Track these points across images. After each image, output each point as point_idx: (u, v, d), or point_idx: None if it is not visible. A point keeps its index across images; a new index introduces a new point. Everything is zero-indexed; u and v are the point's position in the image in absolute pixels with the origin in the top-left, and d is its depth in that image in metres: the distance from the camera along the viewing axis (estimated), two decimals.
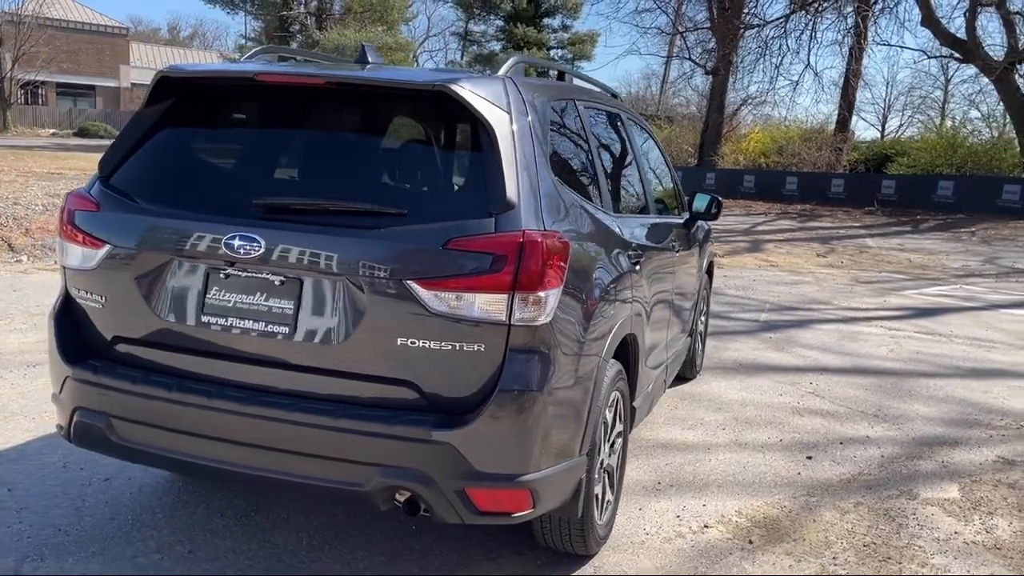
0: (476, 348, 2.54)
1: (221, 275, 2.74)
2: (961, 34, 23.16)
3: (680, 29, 30.35)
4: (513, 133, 2.70)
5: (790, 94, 50.05)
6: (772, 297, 9.79)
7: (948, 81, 45.72)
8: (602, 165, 3.61)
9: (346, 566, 3.16)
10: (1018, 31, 22.78)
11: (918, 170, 24.69)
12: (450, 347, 2.54)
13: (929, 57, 26.70)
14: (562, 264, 2.66)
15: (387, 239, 2.57)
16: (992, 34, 40.50)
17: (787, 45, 24.96)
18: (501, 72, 2.95)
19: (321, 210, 2.68)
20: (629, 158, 4.25)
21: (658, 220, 4.37)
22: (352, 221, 2.64)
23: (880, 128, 49.31)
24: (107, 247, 2.88)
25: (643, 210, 4.23)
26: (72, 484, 3.73)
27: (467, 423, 2.52)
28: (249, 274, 2.70)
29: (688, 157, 31.87)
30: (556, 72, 3.92)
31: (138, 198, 2.89)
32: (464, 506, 2.58)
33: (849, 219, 21.59)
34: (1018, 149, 22.72)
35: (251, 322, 2.70)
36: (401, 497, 2.64)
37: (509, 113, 2.74)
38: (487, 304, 2.51)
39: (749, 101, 29.63)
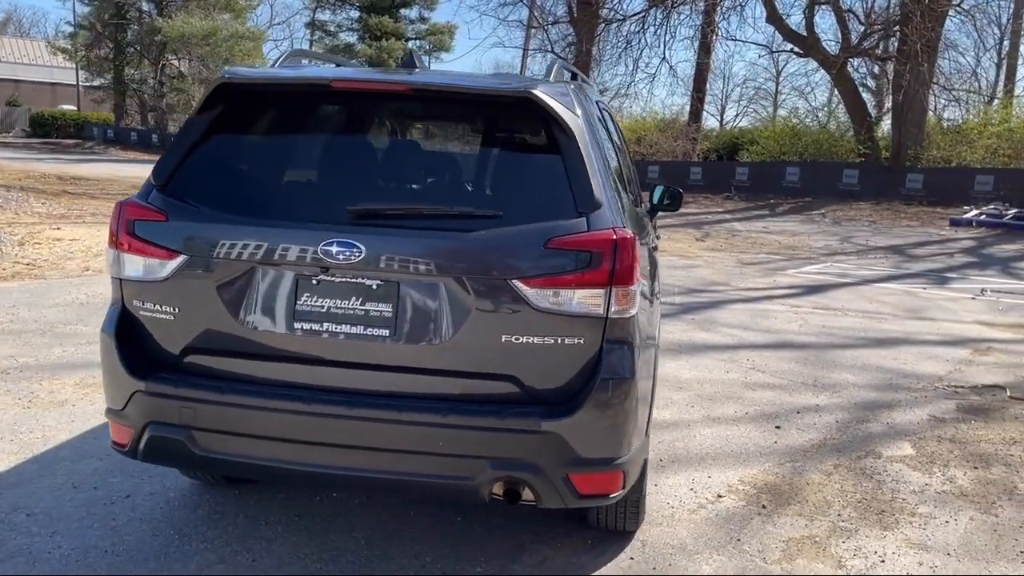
0: (576, 341, 2.68)
1: (313, 281, 2.75)
2: (801, 30, 24.89)
3: (539, 23, 30.94)
4: (586, 135, 2.86)
5: (648, 87, 51.95)
6: (676, 281, 10.32)
7: (779, 73, 48.78)
8: (617, 160, 3.82)
9: (414, 559, 3.23)
10: (850, 27, 24.72)
11: (767, 157, 26.41)
12: (552, 341, 2.67)
13: (772, 52, 28.52)
14: (639, 259, 2.85)
15: (490, 240, 2.67)
16: (826, 31, 43.77)
17: (645, 40, 25.98)
18: (553, 75, 3.09)
19: (415, 214, 2.74)
20: (620, 151, 4.49)
21: (643, 211, 4.63)
22: (449, 224, 2.72)
23: (719, 118, 52.14)
24: (182, 257, 2.82)
25: (635, 203, 4.47)
26: (94, 504, 3.59)
27: (572, 412, 2.66)
28: (344, 279, 2.72)
29: None
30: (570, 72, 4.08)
31: (209, 206, 2.84)
32: (569, 491, 2.73)
33: (712, 205, 22.84)
34: (853, 137, 24.73)
35: (348, 326, 2.73)
36: (500, 488, 2.75)
37: (579, 116, 2.89)
38: (586, 299, 2.66)
39: (609, 93, 30.61)
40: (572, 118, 2.83)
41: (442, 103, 3.01)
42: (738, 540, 3.53)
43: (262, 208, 2.83)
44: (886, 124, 27.02)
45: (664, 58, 29.65)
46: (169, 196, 2.90)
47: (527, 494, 2.75)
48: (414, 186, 2.86)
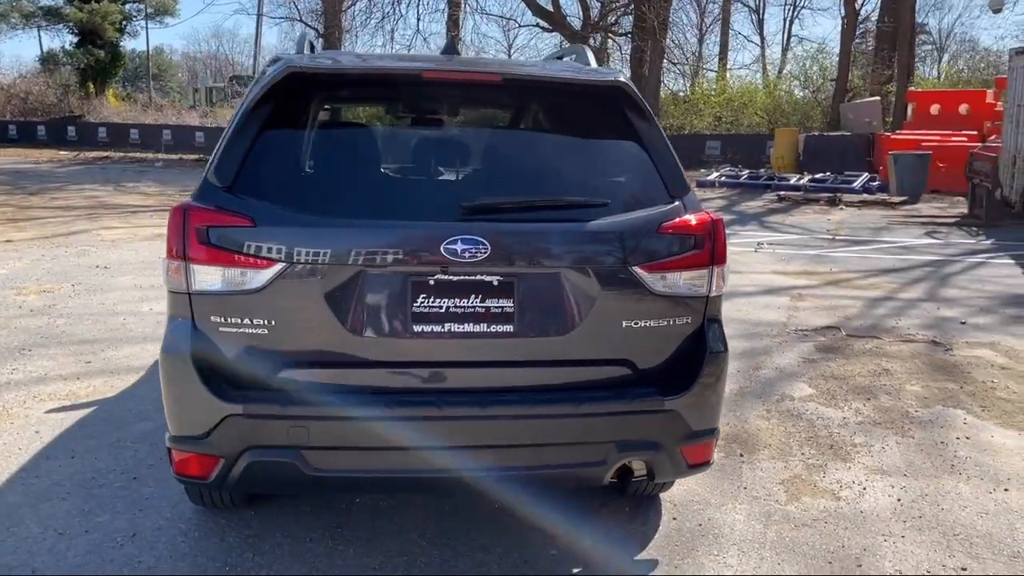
0: (683, 321, 2.84)
1: (430, 281, 2.65)
2: (549, 6, 26.07)
3: None
4: (658, 123, 3.00)
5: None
6: None
7: (511, 47, 50.45)
8: None
9: (488, 553, 3.24)
10: (590, 3, 26.32)
11: None
12: (664, 323, 2.81)
13: (520, 26, 29.59)
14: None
15: (609, 228, 2.73)
16: (568, 5, 45.67)
17: (399, 11, 25.86)
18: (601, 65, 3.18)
19: (530, 206, 2.73)
20: None
21: None
22: (563, 215, 2.74)
23: None
24: (279, 265, 2.59)
25: None
26: (105, 549, 3.17)
27: (687, 389, 2.83)
28: (462, 277, 2.66)
29: None
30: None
31: (301, 208, 2.63)
32: (683, 464, 2.89)
33: None
34: None
35: (471, 325, 2.67)
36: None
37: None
38: (693, 280, 2.83)
39: None
40: (647, 106, 2.95)
41: (531, 92, 2.98)
42: (745, 488, 3.89)
43: (363, 207, 2.68)
44: None
45: (418, 30, 29.46)
46: (244, 197, 2.64)
47: (638, 471, 2.89)
48: (517, 177, 2.84)
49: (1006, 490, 3.94)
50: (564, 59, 3.44)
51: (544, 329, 2.72)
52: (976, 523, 3.60)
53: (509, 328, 2.69)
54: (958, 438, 4.58)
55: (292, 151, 2.80)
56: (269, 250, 2.60)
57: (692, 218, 2.83)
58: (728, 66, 33.50)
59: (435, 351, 2.69)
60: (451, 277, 2.65)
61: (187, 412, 2.68)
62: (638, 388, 2.81)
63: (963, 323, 7.28)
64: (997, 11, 20.20)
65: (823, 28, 67.68)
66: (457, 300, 2.67)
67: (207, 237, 2.62)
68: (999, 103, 20.70)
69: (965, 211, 15.29)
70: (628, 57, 26.80)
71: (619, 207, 2.79)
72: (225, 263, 2.61)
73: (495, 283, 2.68)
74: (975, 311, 7.79)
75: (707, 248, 2.84)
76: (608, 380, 2.80)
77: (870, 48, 29.87)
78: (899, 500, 3.81)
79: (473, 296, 2.67)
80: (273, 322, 2.62)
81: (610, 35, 27.05)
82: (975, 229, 13.33)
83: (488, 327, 2.68)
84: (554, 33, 27.52)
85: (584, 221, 2.74)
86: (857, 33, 35.03)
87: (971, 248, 11.66)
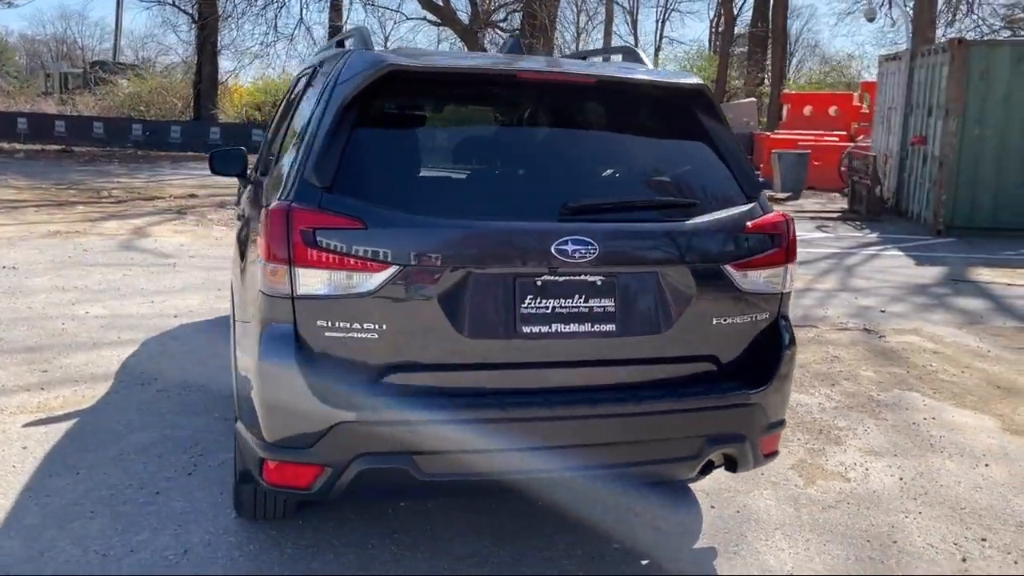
0: (763, 316, 2.97)
1: (536, 282, 2.66)
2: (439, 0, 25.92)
3: None
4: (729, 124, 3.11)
5: (287, 48, 48.98)
6: None
7: (387, 39, 49.78)
8: None
9: (552, 550, 3.28)
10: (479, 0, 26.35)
11: None
12: (747, 319, 2.93)
13: (408, 19, 29.22)
14: None
15: (703, 228, 2.82)
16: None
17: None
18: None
19: (627, 206, 2.78)
20: None
21: None
22: (659, 215, 2.81)
23: None
24: (392, 268, 2.53)
25: None
26: (156, 567, 3.00)
27: (768, 382, 2.95)
28: (568, 278, 2.68)
29: (177, 112, 30.15)
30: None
31: (409, 208, 2.59)
32: (760, 455, 3.01)
33: None
34: None
35: (575, 325, 2.70)
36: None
37: None
38: (772, 277, 2.96)
39: (248, 55, 29.09)
40: (720, 108, 3.06)
41: (621, 94, 3.01)
42: (762, 475, 4.08)
43: (468, 207, 2.66)
44: None
45: (301, 19, 28.61)
46: (346, 198, 2.57)
47: (717, 463, 3.00)
48: (609, 178, 2.87)
49: (987, 465, 4.31)
50: (609, 58, 3.51)
51: (643, 328, 2.78)
52: (975, 497, 3.92)
53: (611, 327, 2.74)
54: (925, 419, 4.95)
55: (391, 151, 2.74)
56: (381, 253, 2.54)
57: (771, 217, 2.96)
58: None
59: (542, 352, 2.70)
60: (557, 278, 2.67)
61: (290, 421, 2.58)
62: (725, 383, 2.91)
63: (883, 311, 7.83)
64: (871, 20, 21.67)
65: (693, 30, 70.61)
66: (562, 300, 2.69)
67: (314, 239, 2.53)
68: (864, 106, 22.25)
69: (845, 206, 16.32)
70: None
71: (705, 207, 2.88)
72: (334, 266, 2.53)
73: (598, 283, 2.72)
74: (888, 300, 8.39)
75: (783, 246, 2.97)
76: (696, 376, 2.89)
77: (742, 51, 31.36)
78: (901, 479, 4.09)
79: (577, 296, 2.70)
80: (384, 326, 2.56)
81: (498, 30, 27.19)
82: (858, 223, 14.27)
83: (592, 327, 2.72)
84: (443, 28, 27.44)
85: (680, 221, 2.82)
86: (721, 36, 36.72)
87: (861, 241, 12.49)
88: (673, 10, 44.18)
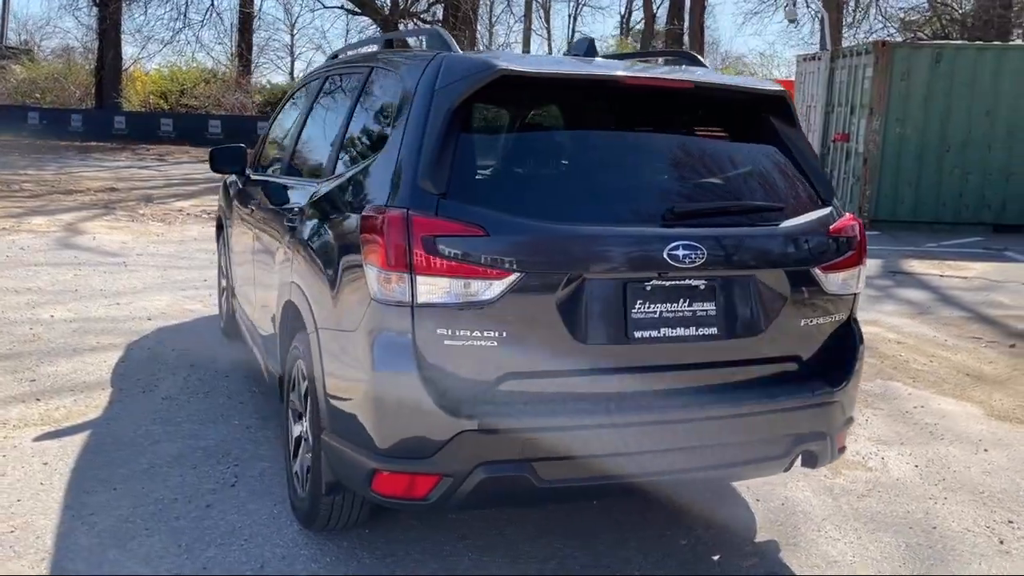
0: (840, 317, 3.08)
1: (646, 287, 2.69)
2: None
3: None
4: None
5: (197, 34, 46.74)
6: None
7: (293, 26, 48.61)
8: None
9: (625, 549, 3.32)
10: None
11: None
12: (829, 319, 3.03)
13: (326, 8, 28.65)
14: None
15: (793, 231, 2.90)
16: None
17: None
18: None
19: (726, 211, 2.84)
20: None
21: None
22: (753, 219, 2.88)
23: (290, 70, 49.41)
24: (514, 275, 2.52)
25: None
26: None
27: (847, 380, 3.06)
28: (675, 282, 2.72)
29: (76, 100, 28.70)
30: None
31: (526, 214, 2.58)
32: (836, 451, 3.13)
33: None
34: None
35: (682, 329, 2.75)
36: None
37: None
38: (849, 279, 3.07)
39: (157, 42, 27.97)
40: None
41: (712, 99, 3.06)
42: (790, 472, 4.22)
43: (581, 213, 2.67)
44: None
45: (212, 4, 27.67)
46: (462, 204, 2.54)
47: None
48: (706, 182, 2.92)
49: (986, 451, 4.58)
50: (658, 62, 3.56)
51: (742, 330, 2.85)
52: (988, 482, 4.17)
53: (714, 331, 2.80)
54: (915, 407, 5.22)
55: (501, 156, 2.72)
56: (504, 260, 2.53)
57: (847, 220, 3.07)
58: None
59: (651, 356, 2.74)
60: (665, 282, 2.71)
61: (410, 430, 2.54)
62: (811, 382, 3.00)
63: None
64: (792, 21, 22.46)
65: (603, 27, 71.56)
66: (669, 305, 2.73)
67: (435, 246, 2.49)
68: None
69: None
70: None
71: (791, 211, 2.97)
72: (457, 274, 2.50)
73: (701, 287, 2.77)
74: None
75: (858, 248, 3.08)
76: (784, 376, 2.98)
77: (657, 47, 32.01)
78: (916, 466, 4.31)
79: (682, 300, 2.75)
80: (503, 333, 2.55)
81: (419, 21, 26.95)
82: None
83: (696, 330, 2.77)
84: (354, 17, 27.03)
85: (773, 225, 2.89)
86: (631, 32, 37.45)
87: None
88: (584, 5, 44.72)
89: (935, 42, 18.58)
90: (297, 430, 3.39)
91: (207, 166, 5.00)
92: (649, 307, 2.71)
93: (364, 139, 3.25)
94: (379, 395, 2.57)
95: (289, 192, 3.86)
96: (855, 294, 3.14)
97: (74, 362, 5.22)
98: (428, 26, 28.16)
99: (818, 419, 3.01)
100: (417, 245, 2.49)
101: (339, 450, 2.79)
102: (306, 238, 3.22)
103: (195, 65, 29.95)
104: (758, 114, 3.06)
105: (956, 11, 25.21)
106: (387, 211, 2.56)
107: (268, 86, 29.87)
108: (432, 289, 2.51)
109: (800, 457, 3.07)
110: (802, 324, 2.96)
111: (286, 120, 4.77)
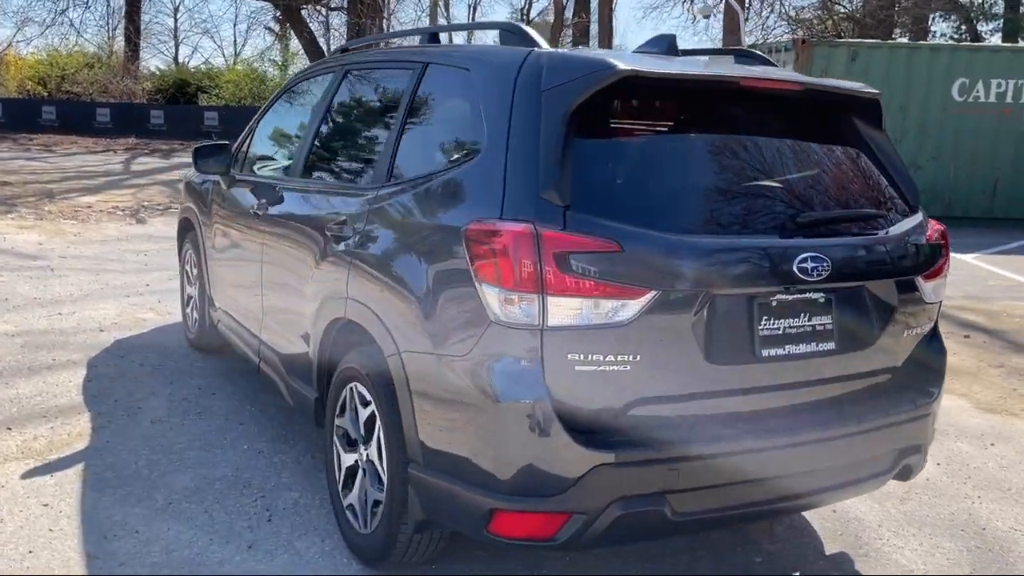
0: (929, 326, 3.02)
1: (772, 302, 2.55)
2: None
3: None
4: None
5: (81, 16, 43.24)
6: None
7: (176, 10, 46.26)
8: None
9: (699, 563, 3.19)
10: None
11: (232, 101, 25.67)
12: (922, 329, 2.97)
13: None
14: None
15: (901, 240, 2.82)
16: None
17: None
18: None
19: (841, 220, 2.73)
20: None
21: None
22: (860, 228, 2.78)
23: (175, 56, 46.35)
24: (651, 294, 2.33)
25: None
26: None
27: (939, 390, 3.01)
28: (797, 296, 2.59)
29: None
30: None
31: (653, 228, 2.41)
32: (925, 462, 3.06)
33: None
34: None
35: (804, 345, 2.63)
36: None
37: None
38: (938, 286, 3.01)
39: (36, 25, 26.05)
40: None
41: (817, 102, 2.91)
42: None
43: (710, 225, 2.52)
44: None
45: None
46: (592, 217, 2.34)
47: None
48: (815, 188, 2.78)
49: (993, 444, 4.69)
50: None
51: (856, 344, 2.75)
52: (1008, 477, 4.26)
53: (831, 346, 2.68)
54: None
55: (621, 163, 2.52)
56: (641, 278, 2.33)
57: (936, 226, 3.02)
58: None
59: (778, 374, 2.60)
60: (789, 296, 2.58)
61: (539, 466, 2.31)
62: (908, 393, 2.93)
63: None
64: (706, 17, 22.88)
65: (502, 16, 71.25)
66: (791, 320, 2.60)
67: (568, 264, 2.27)
68: None
69: None
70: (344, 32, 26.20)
71: (894, 217, 2.89)
72: (592, 294, 2.29)
73: (820, 300, 2.65)
74: None
75: (946, 255, 3.03)
76: (882, 388, 2.90)
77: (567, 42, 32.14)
78: (938, 464, 4.36)
79: (803, 315, 2.62)
80: (637, 357, 2.35)
81: (322, 7, 26.13)
82: None
83: (816, 346, 2.65)
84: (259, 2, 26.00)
85: (882, 233, 2.80)
86: (531, 23, 37.41)
87: None
88: None
89: (852, 40, 19.27)
90: (350, 459, 3.10)
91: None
92: (774, 323, 2.57)
93: (435, 143, 2.98)
94: (503, 428, 2.33)
95: (322, 198, 3.53)
96: (939, 302, 3.09)
97: (35, 383, 4.70)
98: (334, 12, 27.39)
99: (917, 431, 2.94)
100: (548, 262, 2.27)
101: (441, 487, 2.53)
102: (370, 251, 2.92)
103: (76, 49, 28.13)
104: (852, 116, 2.96)
105: (847, 10, 26.29)
106: (509, 225, 2.32)
107: (159, 72, 28.33)
108: (564, 311, 2.29)
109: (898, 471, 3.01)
110: (904, 334, 2.89)
111: (286, 118, 4.39)
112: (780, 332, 2.58)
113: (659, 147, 2.63)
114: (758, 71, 2.82)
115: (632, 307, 2.33)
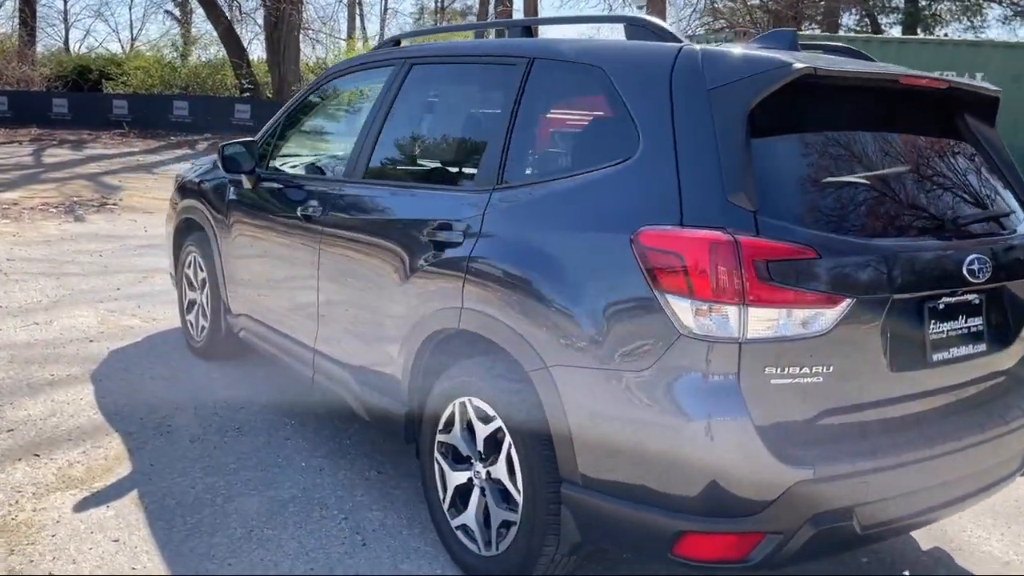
0: None
1: (939, 306, 2.52)
2: None
3: None
4: None
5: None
6: None
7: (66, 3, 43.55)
8: None
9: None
10: None
11: (142, 89, 24.48)
12: None
13: None
14: None
15: None
16: None
17: None
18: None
19: (989, 219, 2.73)
20: None
21: None
22: (999, 227, 2.78)
23: (64, 41, 43.15)
24: (846, 302, 2.25)
25: None
26: None
27: None
28: (958, 299, 2.57)
29: None
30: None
31: (842, 232, 2.37)
32: None
33: (126, 144, 20.33)
34: (234, 72, 24.75)
35: (964, 347, 2.61)
36: None
37: None
38: None
39: None
40: None
41: (951, 100, 2.86)
42: None
43: (890, 228, 2.50)
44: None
45: None
46: (784, 223, 2.25)
47: None
48: (960, 188, 2.74)
49: None
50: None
51: (1001, 344, 2.74)
52: None
53: (982, 347, 2.67)
54: None
55: (800, 165, 2.43)
56: (839, 285, 2.25)
57: None
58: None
59: (943, 377, 2.57)
60: (952, 299, 2.55)
61: (736, 485, 2.20)
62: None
63: None
64: (640, 8, 22.95)
65: (404, 4, 70.55)
66: (952, 323, 2.57)
67: (767, 273, 2.17)
68: None
69: None
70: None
71: (1019, 216, 2.90)
72: (791, 304, 2.20)
73: (975, 301, 2.63)
74: None
75: None
76: (1006, 388, 2.90)
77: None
78: None
79: (960, 317, 2.60)
80: (830, 367, 2.27)
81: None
82: None
83: (972, 348, 2.63)
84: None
85: (1019, 230, 2.81)
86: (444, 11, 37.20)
87: None
88: None
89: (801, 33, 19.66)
90: (460, 477, 2.93)
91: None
92: (940, 327, 2.54)
93: (561, 144, 2.83)
94: (695, 446, 2.21)
95: (408, 200, 3.30)
96: None
97: (43, 402, 4.30)
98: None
99: None
100: (748, 271, 2.16)
101: (608, 508, 2.40)
102: (495, 257, 2.74)
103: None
104: (974, 115, 2.95)
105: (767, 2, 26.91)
106: (701, 232, 2.20)
107: (54, 57, 26.54)
108: (763, 322, 2.19)
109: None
110: None
111: (328, 115, 4.11)
112: (944, 336, 2.55)
113: (833, 148, 2.55)
114: (898, 69, 2.78)
115: (829, 316, 2.25)
